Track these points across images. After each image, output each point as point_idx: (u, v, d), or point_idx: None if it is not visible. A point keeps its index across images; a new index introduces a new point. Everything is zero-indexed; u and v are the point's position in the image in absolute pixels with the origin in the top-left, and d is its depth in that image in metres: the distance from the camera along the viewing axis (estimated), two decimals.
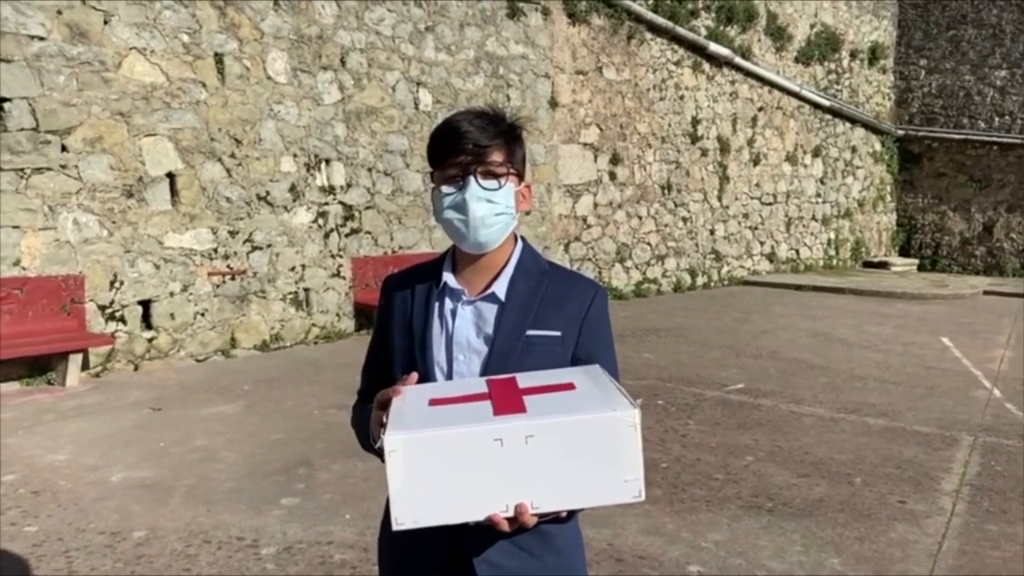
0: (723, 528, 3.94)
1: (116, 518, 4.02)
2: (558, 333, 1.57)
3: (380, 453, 1.47)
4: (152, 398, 6.29)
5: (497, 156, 1.55)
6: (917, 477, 4.67)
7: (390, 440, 1.20)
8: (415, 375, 1.49)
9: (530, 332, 1.56)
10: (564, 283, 1.64)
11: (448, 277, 1.62)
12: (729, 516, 4.06)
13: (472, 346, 1.57)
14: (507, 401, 1.29)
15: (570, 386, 1.34)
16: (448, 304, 1.61)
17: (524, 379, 1.40)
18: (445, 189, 1.55)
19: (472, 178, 1.52)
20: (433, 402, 1.34)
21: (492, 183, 1.54)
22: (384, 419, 1.30)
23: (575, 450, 1.21)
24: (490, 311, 1.58)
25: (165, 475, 4.59)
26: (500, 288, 1.59)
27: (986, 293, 13.22)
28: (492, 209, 1.53)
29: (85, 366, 6.87)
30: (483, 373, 1.54)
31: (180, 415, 5.83)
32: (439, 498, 1.21)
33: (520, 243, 1.67)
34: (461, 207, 1.52)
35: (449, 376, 1.57)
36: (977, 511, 4.19)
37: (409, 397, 1.38)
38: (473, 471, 1.21)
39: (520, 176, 1.61)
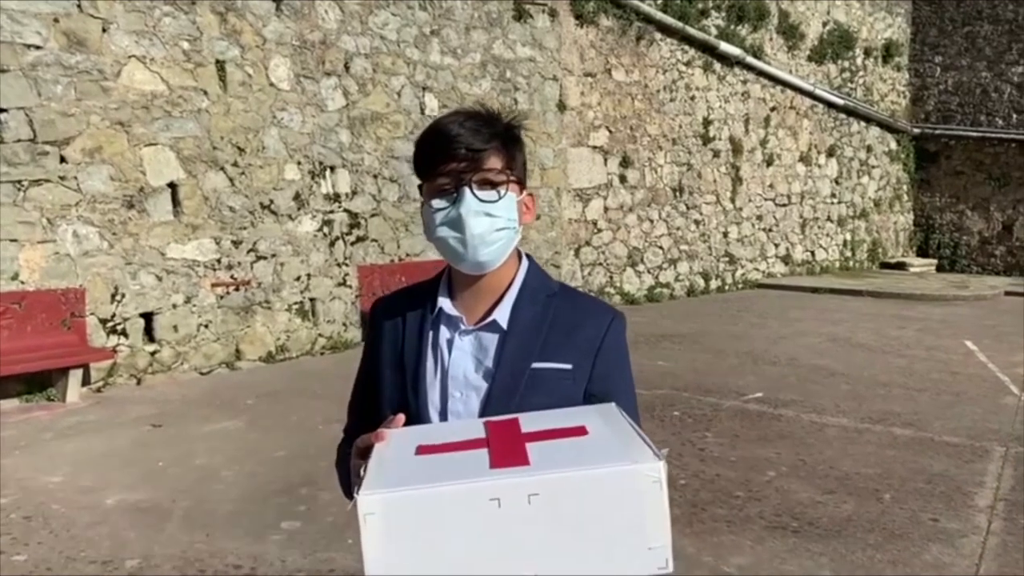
0: (746, 551, 3.73)
1: (109, 545, 3.85)
2: (568, 366, 1.37)
3: None
4: (153, 414, 6.12)
5: (495, 162, 1.35)
6: (949, 492, 4.44)
7: (365, 501, 1.00)
8: (402, 417, 1.29)
9: (536, 365, 1.36)
10: (576, 308, 1.43)
11: (444, 303, 1.42)
12: (753, 538, 3.85)
13: (470, 382, 1.37)
14: (507, 450, 1.09)
15: (581, 431, 1.14)
16: (444, 333, 1.41)
17: (528, 421, 1.20)
18: (436, 203, 1.35)
19: (467, 189, 1.32)
20: (421, 450, 1.13)
21: (490, 194, 1.33)
22: (362, 471, 1.10)
23: (588, 511, 1.01)
24: (491, 341, 1.39)
25: (162, 497, 4.42)
26: (502, 315, 1.39)
27: (1007, 294, 12.92)
28: (492, 224, 1.33)
29: (86, 381, 6.72)
30: (483, 413, 1.34)
31: (181, 432, 5.66)
32: (425, 571, 1.01)
33: (525, 261, 1.46)
34: (456, 223, 1.32)
35: (444, 416, 1.38)
36: (1014, 529, 3.97)
37: (393, 443, 1.18)
38: (465, 538, 1.00)
39: (522, 184, 1.41)
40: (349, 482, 1.37)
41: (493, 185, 1.34)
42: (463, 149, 1.32)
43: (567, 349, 1.38)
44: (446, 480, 1.02)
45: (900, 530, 3.94)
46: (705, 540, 3.81)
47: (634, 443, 1.07)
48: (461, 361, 1.38)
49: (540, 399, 1.32)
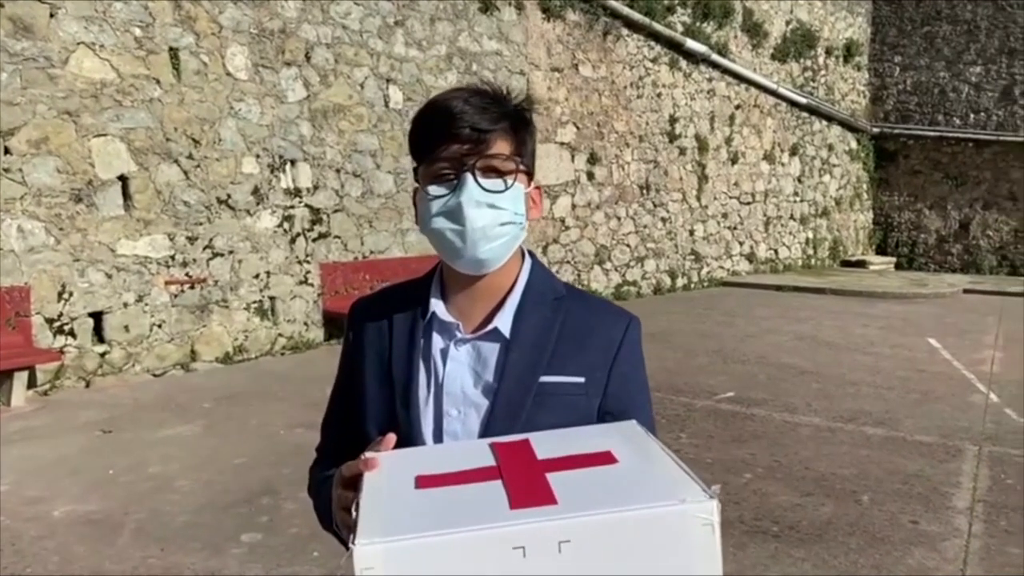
0: (728, 557, 3.58)
1: (56, 560, 3.61)
2: (581, 379, 1.21)
3: (346, 542, 1.10)
4: (104, 419, 5.83)
5: (502, 146, 1.17)
6: (926, 493, 4.39)
7: (363, 554, 0.82)
8: (392, 438, 1.10)
9: (544, 379, 1.19)
10: (587, 313, 1.26)
11: (437, 306, 1.24)
12: (734, 544, 3.74)
13: (469, 398, 1.20)
14: (526, 483, 0.91)
15: (608, 458, 0.97)
16: (438, 342, 1.23)
17: (541, 444, 1.02)
18: (433, 190, 1.17)
19: (469, 175, 1.14)
20: (421, 482, 0.95)
21: (496, 182, 1.17)
22: (354, 510, 0.92)
23: (628, 561, 0.84)
24: (492, 352, 1.21)
25: (113, 508, 4.17)
26: (504, 321, 1.22)
27: (966, 291, 13.11)
28: (496, 217, 1.16)
29: (32, 384, 6.39)
30: (483, 434, 1.17)
31: (133, 438, 5.39)
32: None
33: (528, 261, 1.29)
34: (455, 214, 1.15)
35: (439, 438, 1.20)
36: (995, 531, 3.92)
37: (387, 473, 0.99)
38: None
39: (530, 174, 1.24)
40: (327, 513, 1.19)
41: (499, 173, 1.17)
42: (467, 129, 1.14)
43: (579, 360, 1.21)
44: (459, 525, 0.84)
45: (881, 533, 3.86)
46: None
47: (678, 477, 0.91)
48: (457, 374, 1.21)
49: (549, 417, 1.16)
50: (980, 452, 5.10)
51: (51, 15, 6.50)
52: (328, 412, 1.39)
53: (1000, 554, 3.66)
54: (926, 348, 8.51)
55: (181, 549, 3.69)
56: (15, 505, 4.22)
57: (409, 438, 1.18)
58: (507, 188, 1.17)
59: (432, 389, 1.21)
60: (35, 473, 4.70)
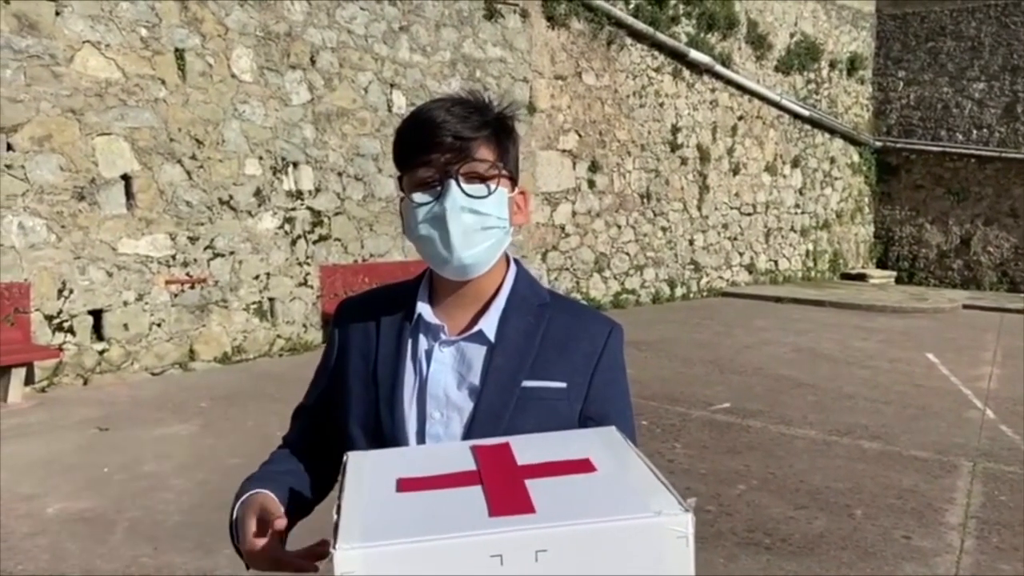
0: (719, 568, 3.62)
1: (48, 558, 3.61)
2: (563, 384, 1.23)
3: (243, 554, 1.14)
4: (100, 416, 5.84)
5: (485, 153, 1.20)
6: (920, 509, 4.39)
7: (344, 558, 0.83)
8: (282, 522, 1.10)
9: (527, 383, 1.21)
10: (570, 319, 1.28)
11: (424, 309, 1.26)
12: (725, 555, 3.74)
13: (452, 401, 1.22)
14: (506, 490, 0.93)
15: (587, 465, 0.98)
16: (423, 343, 1.25)
17: (522, 448, 1.04)
18: (418, 197, 1.19)
19: (452, 182, 1.16)
20: (403, 485, 0.96)
21: (479, 188, 1.19)
22: (335, 512, 0.92)
23: (601, 570, 0.85)
24: (476, 354, 1.23)
25: (107, 507, 4.18)
26: (489, 325, 1.24)
27: (965, 307, 13.10)
28: (479, 222, 1.18)
29: (30, 380, 6.40)
30: (466, 436, 1.18)
31: (129, 436, 5.40)
32: None
33: (514, 267, 1.31)
34: (439, 220, 1.17)
35: (422, 440, 1.21)
36: (987, 548, 3.92)
37: (369, 475, 1.00)
38: None
39: (514, 180, 1.26)
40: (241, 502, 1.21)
41: (482, 179, 1.19)
42: (450, 137, 1.17)
43: (561, 366, 1.24)
44: (439, 531, 0.86)
45: (873, 548, 3.86)
46: None
47: (654, 488, 0.92)
48: (441, 376, 1.23)
49: (531, 422, 1.18)
50: (975, 468, 5.10)
51: (56, 13, 6.54)
52: (301, 404, 1.41)
53: (991, 571, 3.66)
54: (924, 363, 8.50)
55: (173, 548, 3.70)
56: (8, 502, 4.22)
57: (393, 440, 1.20)
58: (490, 193, 1.19)
59: (416, 390, 1.23)
60: (28, 470, 4.71)
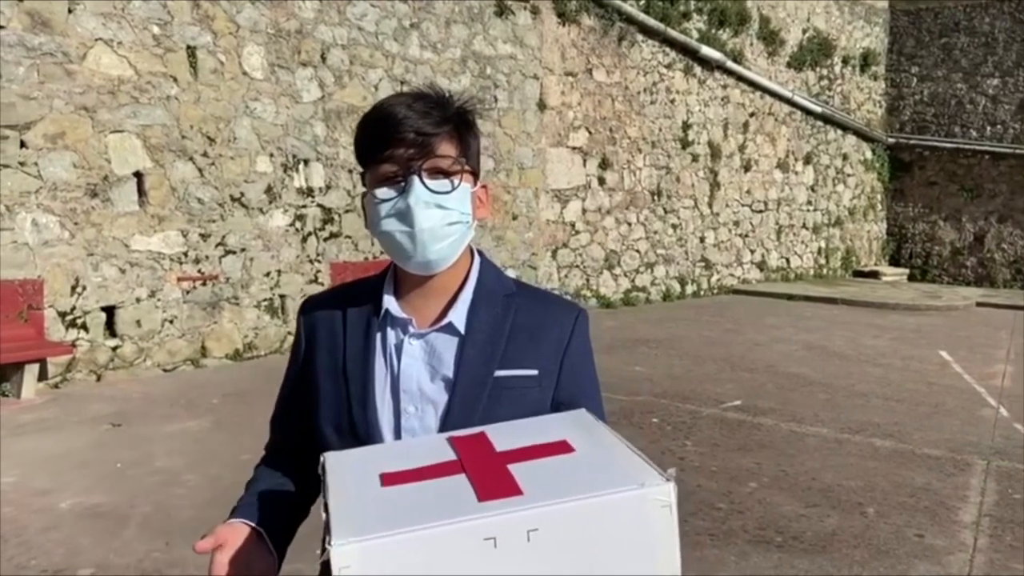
0: (731, 566, 3.61)
1: (62, 552, 3.63)
2: (534, 372, 1.24)
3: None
4: (113, 412, 5.88)
5: (447, 148, 1.20)
6: (933, 507, 4.36)
7: (340, 553, 0.84)
8: (227, 556, 1.16)
9: (499, 373, 1.22)
10: (537, 307, 1.29)
11: (390, 303, 1.26)
12: (736, 553, 3.73)
13: (426, 394, 1.22)
14: (489, 476, 0.95)
15: (565, 447, 1.00)
16: (391, 338, 1.25)
17: (498, 435, 1.06)
18: (381, 193, 1.20)
19: (415, 177, 1.17)
20: (387, 479, 0.98)
21: (443, 183, 1.19)
22: (323, 511, 0.93)
23: (593, 544, 0.88)
24: (447, 346, 1.24)
25: (120, 502, 4.20)
26: (458, 316, 1.25)
27: (979, 305, 13.01)
28: (444, 217, 1.19)
29: (43, 376, 6.44)
30: (441, 429, 1.19)
31: (141, 432, 5.43)
32: None
33: (478, 258, 1.32)
34: (404, 215, 1.18)
35: (397, 434, 1.22)
36: (1000, 546, 3.89)
37: (350, 473, 1.01)
38: None
39: (476, 174, 1.26)
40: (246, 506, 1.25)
41: (445, 174, 1.20)
42: (411, 133, 1.17)
43: (532, 353, 1.25)
44: (431, 520, 0.87)
45: (886, 546, 3.84)
46: (689, 554, 3.67)
47: (634, 462, 0.94)
48: (412, 370, 1.23)
49: (505, 411, 1.18)
50: (988, 466, 5.07)
51: (69, 11, 6.56)
52: (276, 410, 1.41)
53: (1004, 569, 3.63)
54: (937, 361, 8.45)
55: (186, 543, 3.70)
56: (22, 496, 4.25)
57: (368, 436, 1.21)
58: (454, 189, 1.20)
59: (388, 385, 1.23)
60: (42, 465, 4.74)
